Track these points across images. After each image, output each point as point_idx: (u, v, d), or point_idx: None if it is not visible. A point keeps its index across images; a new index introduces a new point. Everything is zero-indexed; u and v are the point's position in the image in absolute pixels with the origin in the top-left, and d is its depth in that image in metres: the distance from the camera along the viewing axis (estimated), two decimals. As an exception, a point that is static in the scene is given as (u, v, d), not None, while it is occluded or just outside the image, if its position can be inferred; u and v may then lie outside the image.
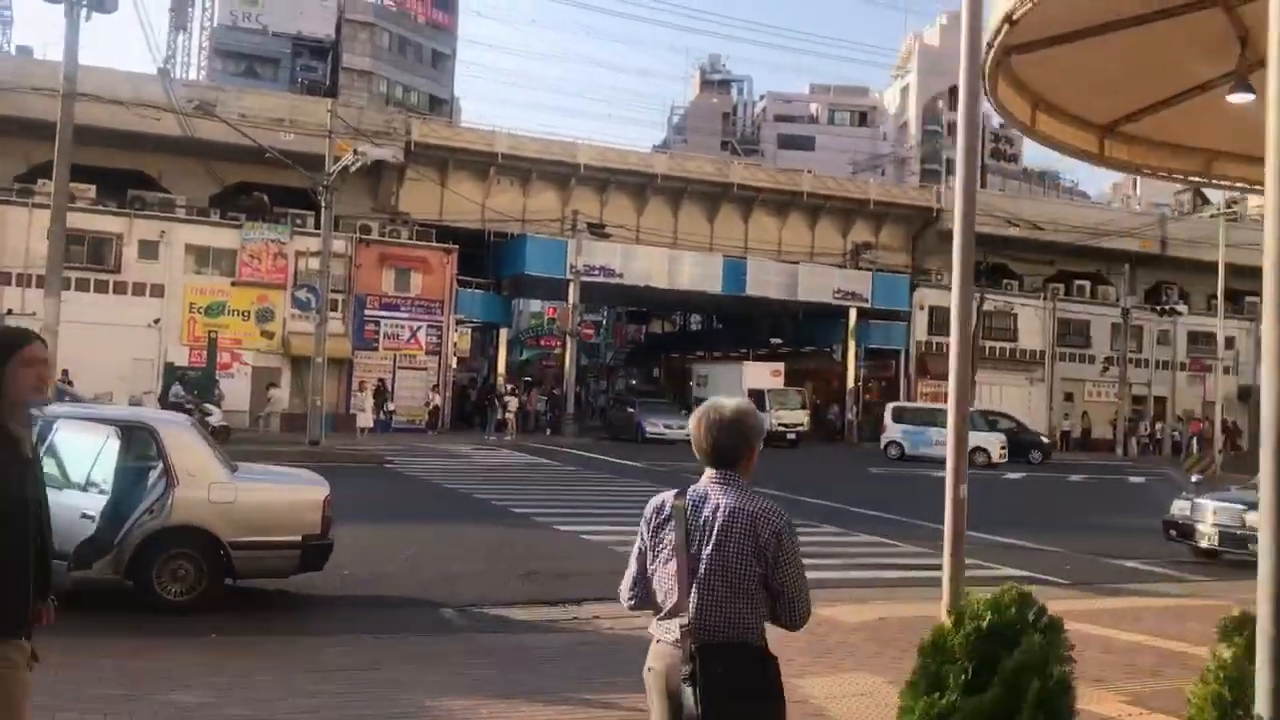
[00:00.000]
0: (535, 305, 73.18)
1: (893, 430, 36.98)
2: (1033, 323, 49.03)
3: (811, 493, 20.75)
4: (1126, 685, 7.27)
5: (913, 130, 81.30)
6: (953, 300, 4.93)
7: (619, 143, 64.52)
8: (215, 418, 28.10)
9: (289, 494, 9.77)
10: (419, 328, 40.36)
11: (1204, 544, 14.42)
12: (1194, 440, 44.61)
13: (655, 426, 37.97)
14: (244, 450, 21.17)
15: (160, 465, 8.99)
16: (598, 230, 41.98)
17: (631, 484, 22.72)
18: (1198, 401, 50.86)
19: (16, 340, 3.39)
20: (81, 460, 8.81)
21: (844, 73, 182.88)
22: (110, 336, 33.57)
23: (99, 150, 34.82)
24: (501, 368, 47.19)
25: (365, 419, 34.61)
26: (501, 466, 26.28)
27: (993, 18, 6.43)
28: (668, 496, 3.38)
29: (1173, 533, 15.03)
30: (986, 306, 47.02)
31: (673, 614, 3.22)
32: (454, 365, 42.36)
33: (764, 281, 45.05)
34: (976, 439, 30.54)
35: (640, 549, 3.42)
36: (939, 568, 12.92)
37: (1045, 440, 40.67)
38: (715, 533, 3.22)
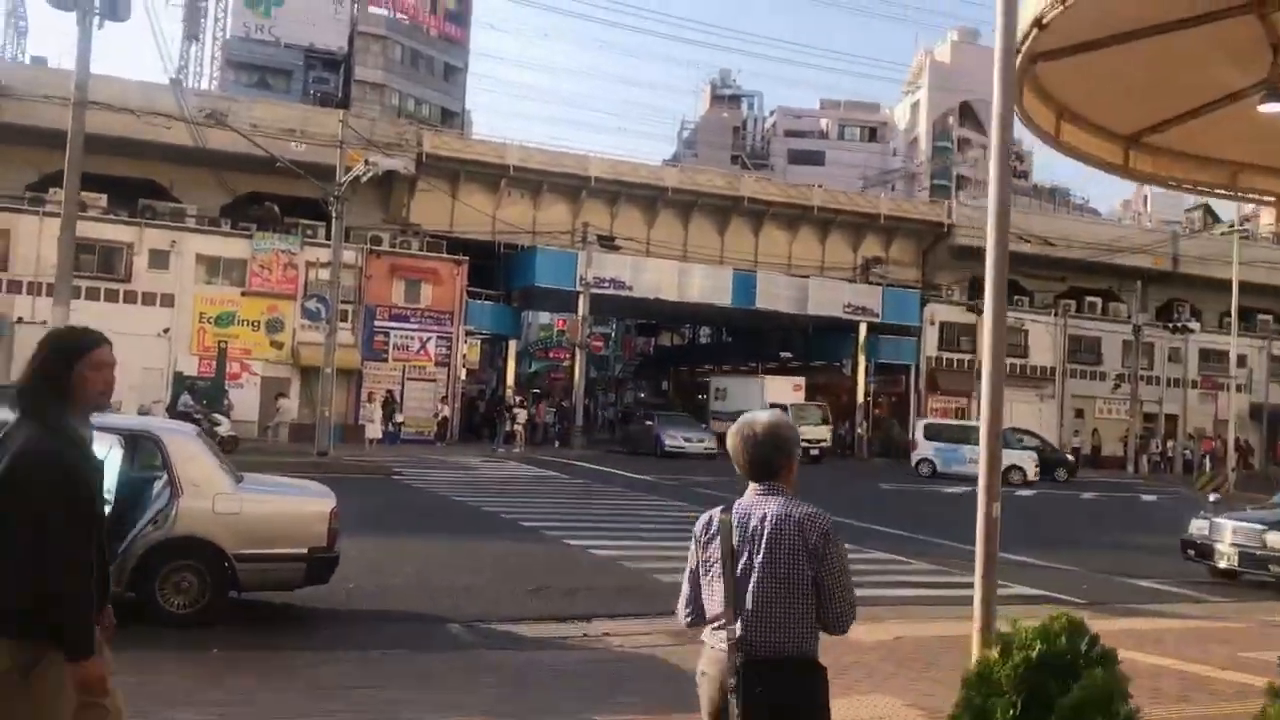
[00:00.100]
0: (544, 317, 73.06)
1: (924, 448, 36.39)
2: (1044, 339, 48.73)
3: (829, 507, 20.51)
4: (1154, 713, 7.06)
5: (923, 146, 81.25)
6: (985, 319, 4.76)
7: (629, 156, 64.51)
8: (224, 427, 28.03)
9: (295, 506, 9.61)
10: (428, 339, 40.27)
11: (1223, 564, 14.21)
12: (1206, 458, 44.27)
13: (674, 440, 37.49)
14: (252, 460, 21.06)
15: (165, 475, 8.86)
16: (608, 243, 41.86)
17: (640, 498, 22.55)
18: (1209, 419, 50.50)
19: (86, 342, 3.33)
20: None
21: (854, 87, 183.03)
22: (120, 345, 32.00)
23: (111, 159, 34.84)
24: (510, 379, 47.06)
25: (374, 430, 34.46)
26: (510, 479, 26.11)
27: (1021, 23, 6.29)
28: (714, 512, 3.47)
29: (1190, 552, 14.80)
30: (997, 322, 46.75)
31: (726, 623, 3.31)
32: (463, 377, 42.23)
33: (774, 295, 44.87)
34: (1011, 457, 30.36)
35: (692, 567, 3.51)
36: (953, 585, 12.85)
37: (1070, 458, 40.36)
38: (765, 541, 3.30)
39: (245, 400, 35.06)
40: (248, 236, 37.83)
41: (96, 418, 9.68)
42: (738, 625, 3.27)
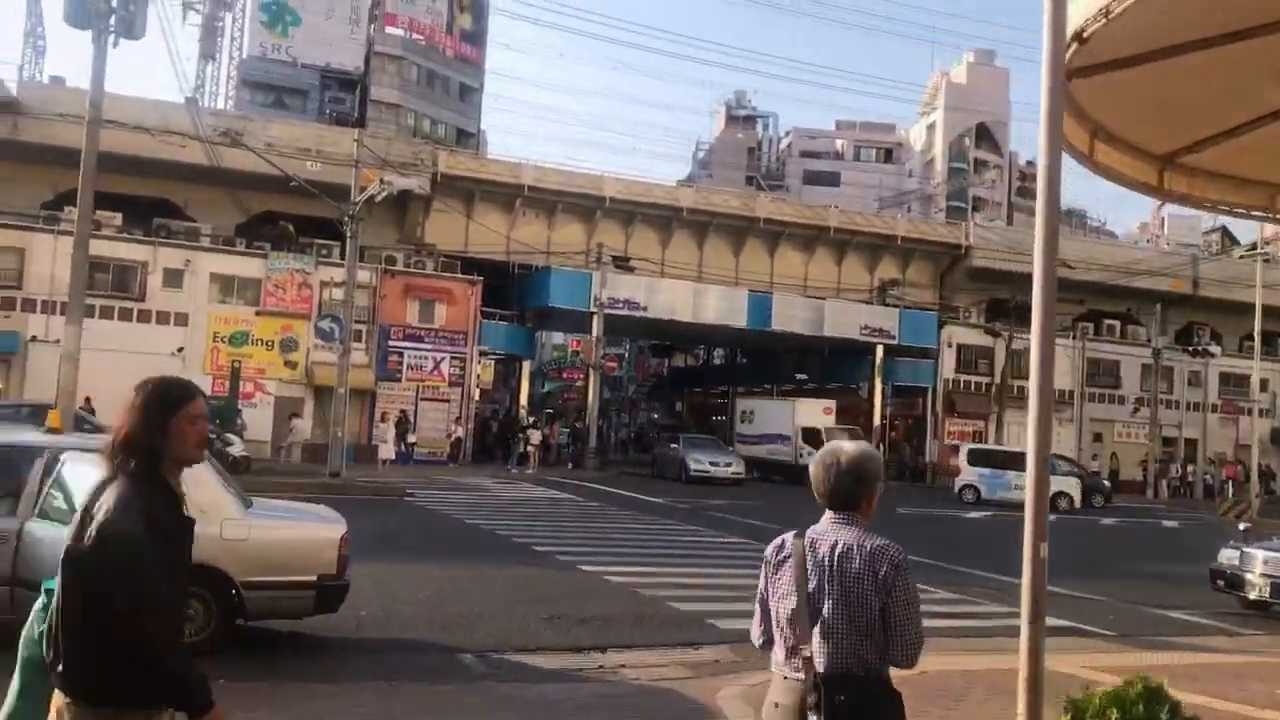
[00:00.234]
0: (558, 337, 72.98)
1: (969, 473, 35.69)
2: (1062, 362, 48.26)
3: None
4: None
5: (939, 167, 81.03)
6: (1034, 345, 4.51)
7: (644, 177, 64.41)
8: (236, 448, 27.87)
9: (304, 532, 9.38)
10: (442, 359, 40.14)
11: (1253, 595, 13.86)
12: (1228, 484, 43.76)
13: (700, 464, 36.18)
14: (265, 481, 20.93)
15: (171, 500, 8.62)
16: (622, 263, 41.72)
17: (655, 521, 22.27)
18: (1229, 444, 50.01)
19: (183, 395, 3.21)
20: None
21: (870, 107, 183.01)
22: (133, 364, 33.21)
23: (126, 178, 34.88)
24: (524, 400, 46.86)
25: (387, 450, 34.27)
26: (523, 501, 25.87)
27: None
28: (787, 537, 3.49)
29: (1220, 582, 14.45)
30: (1015, 345, 46.39)
31: (795, 649, 3.34)
32: (477, 397, 42.06)
33: (790, 316, 44.63)
34: (1057, 483, 30.03)
35: (762, 590, 3.54)
36: (975, 615, 12.50)
37: (1106, 484, 39.89)
38: (835, 569, 3.33)
39: (258, 420, 34.94)
40: (262, 256, 37.80)
41: (102, 440, 9.40)
42: (810, 647, 3.30)
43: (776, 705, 3.41)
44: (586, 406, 44.02)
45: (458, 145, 58.43)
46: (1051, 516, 4.87)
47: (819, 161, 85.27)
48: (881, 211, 61.33)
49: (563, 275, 42.05)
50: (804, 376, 51.03)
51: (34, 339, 33.67)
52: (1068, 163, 7.21)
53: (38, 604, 3.32)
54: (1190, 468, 49.74)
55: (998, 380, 46.24)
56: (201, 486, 8.82)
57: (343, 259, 32.49)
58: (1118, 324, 51.77)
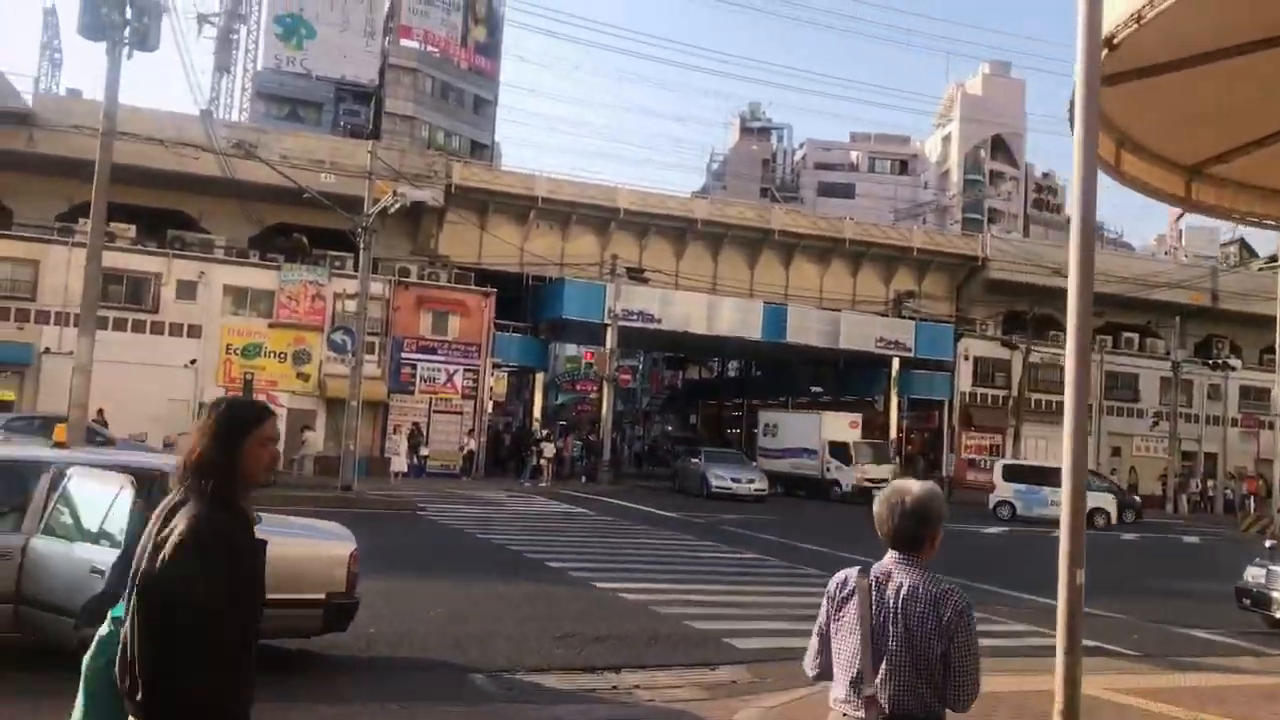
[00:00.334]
0: (571, 350, 72.82)
1: (1004, 489, 35.01)
2: (1080, 375, 47.89)
3: (863, 550, 20.00)
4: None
5: (954, 179, 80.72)
6: (1068, 360, 4.33)
7: (658, 188, 64.44)
8: (248, 460, 27.73)
9: (312, 549, 9.19)
10: (455, 371, 40.03)
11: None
12: (1250, 499, 43.29)
13: (721, 480, 35.11)
14: (275, 494, 20.75)
15: (179, 516, 8.48)
16: (636, 275, 41.57)
17: (670, 536, 22.06)
18: (1250, 459, 49.50)
19: (256, 417, 3.16)
20: (94, 510, 8.29)
21: (884, 119, 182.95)
22: (146, 376, 33.52)
23: (140, 190, 34.97)
24: (537, 412, 46.72)
25: (399, 463, 34.14)
26: (536, 515, 25.68)
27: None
28: (851, 573, 3.51)
29: (1245, 601, 14.18)
30: (1033, 358, 46.10)
31: (855, 686, 3.36)
32: (490, 409, 41.92)
33: (805, 328, 44.42)
34: (1093, 499, 29.61)
35: (822, 623, 3.55)
36: (997, 635, 12.27)
37: (1137, 499, 39.50)
38: (900, 611, 3.35)
39: (271, 432, 34.82)
40: (275, 268, 37.79)
41: (108, 457, 9.17)
42: (872, 686, 3.32)
43: None
44: (600, 419, 43.83)
45: (472, 157, 58.40)
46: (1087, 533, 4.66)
47: (833, 173, 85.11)
48: (897, 223, 61.07)
49: (576, 287, 41.95)
50: (819, 389, 50.76)
51: (47, 351, 33.71)
52: None
53: (101, 631, 3.29)
54: (1210, 483, 49.27)
55: (1015, 393, 45.90)
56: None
57: (356, 271, 32.43)
58: (1136, 337, 51.37)
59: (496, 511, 25.93)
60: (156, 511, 3.09)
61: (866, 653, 3.34)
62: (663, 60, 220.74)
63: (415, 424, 38.14)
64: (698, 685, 9.29)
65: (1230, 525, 37.72)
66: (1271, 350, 40.58)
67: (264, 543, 3.14)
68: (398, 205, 29.43)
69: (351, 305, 33.54)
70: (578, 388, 69.94)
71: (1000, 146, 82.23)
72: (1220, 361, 47.45)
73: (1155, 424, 48.87)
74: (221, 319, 36.77)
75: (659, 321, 42.50)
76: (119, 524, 8.06)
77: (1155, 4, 4.98)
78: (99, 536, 8.10)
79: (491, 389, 41.26)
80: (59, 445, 9.71)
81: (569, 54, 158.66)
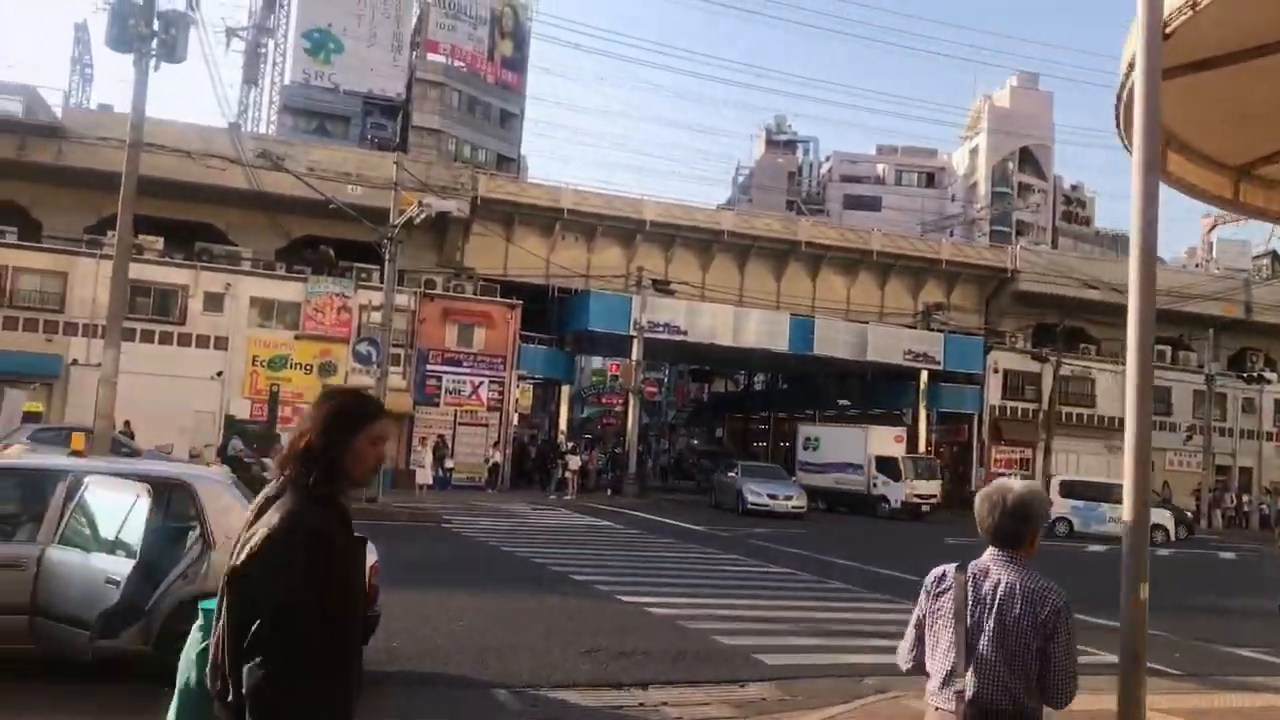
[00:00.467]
0: (597, 362, 72.78)
1: (1061, 505, 34.21)
2: (1111, 389, 47.33)
3: (891, 564, 19.68)
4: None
5: (982, 191, 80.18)
6: (1128, 377, 4.12)
7: (684, 200, 64.34)
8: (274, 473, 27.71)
9: (333, 560, 9.01)
10: (481, 383, 39.93)
11: (1327, 632, 13.19)
12: (1287, 514, 42.58)
13: (757, 496, 33.51)
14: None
15: (197, 526, 8.36)
16: (662, 287, 41.38)
17: (696, 550, 21.81)
18: (1285, 473, 48.74)
19: (368, 413, 3.02)
20: (111, 520, 8.14)
21: (910, 130, 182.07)
22: (173, 388, 33.57)
23: (169, 203, 35.13)
24: (563, 425, 46.56)
25: (424, 475, 34.01)
26: (561, 528, 25.48)
27: (1136, 38, 5.62)
28: (949, 568, 3.54)
29: (1291, 618, 13.76)
30: (1063, 371, 45.54)
31: (949, 681, 3.40)
32: (515, 422, 41.79)
33: (832, 341, 44.06)
34: (1153, 516, 29.12)
35: (919, 616, 3.60)
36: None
37: (1189, 515, 38.79)
38: (996, 607, 3.39)
39: (297, 444, 34.74)
40: (302, 280, 37.83)
41: (127, 466, 8.95)
42: (966, 680, 3.36)
43: None
44: (626, 432, 43.62)
45: (497, 170, 58.50)
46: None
47: (860, 186, 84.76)
48: (925, 235, 60.66)
49: (602, 299, 41.80)
50: (846, 402, 50.34)
51: (75, 363, 33.84)
52: (1116, 183, 6.72)
53: (196, 625, 3.16)
54: (1245, 497, 48.50)
55: (1045, 406, 45.35)
56: (229, 512, 8.53)
57: (382, 283, 32.41)
58: (1169, 350, 50.64)
59: (521, 524, 25.75)
60: (252, 505, 2.95)
61: (960, 647, 3.39)
62: (688, 73, 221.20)
63: (440, 436, 38.05)
64: (726, 702, 9.03)
65: (1266, 541, 37.00)
66: (1308, 363, 39.97)
67: (364, 540, 2.98)
68: (423, 216, 29.39)
69: (377, 317, 33.51)
70: (603, 400, 69.93)
71: (1028, 159, 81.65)
72: (1255, 375, 46.76)
73: (1189, 438, 48.17)
74: (248, 331, 36.83)
75: (685, 333, 42.29)
76: (135, 534, 7.91)
77: (1213, -11, 4.74)
78: (115, 546, 7.93)
79: (517, 401, 41.14)
80: (75, 454, 9.55)
81: (594, 66, 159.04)
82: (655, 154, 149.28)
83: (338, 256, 38.96)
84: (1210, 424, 46.78)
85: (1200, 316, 48.44)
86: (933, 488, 37.93)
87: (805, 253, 46.90)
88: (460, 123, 63.66)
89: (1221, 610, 17.70)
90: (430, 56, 63.45)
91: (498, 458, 39.33)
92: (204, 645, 3.01)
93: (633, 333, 40.31)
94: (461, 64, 63.94)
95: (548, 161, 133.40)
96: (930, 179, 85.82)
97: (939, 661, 3.46)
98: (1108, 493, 32.05)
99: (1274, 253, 69.92)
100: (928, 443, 46.17)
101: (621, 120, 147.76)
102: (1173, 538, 32.90)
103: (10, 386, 32.11)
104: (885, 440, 39.34)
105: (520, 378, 41.31)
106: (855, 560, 20.73)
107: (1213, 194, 7.76)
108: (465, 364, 39.81)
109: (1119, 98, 6.48)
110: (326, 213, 32.54)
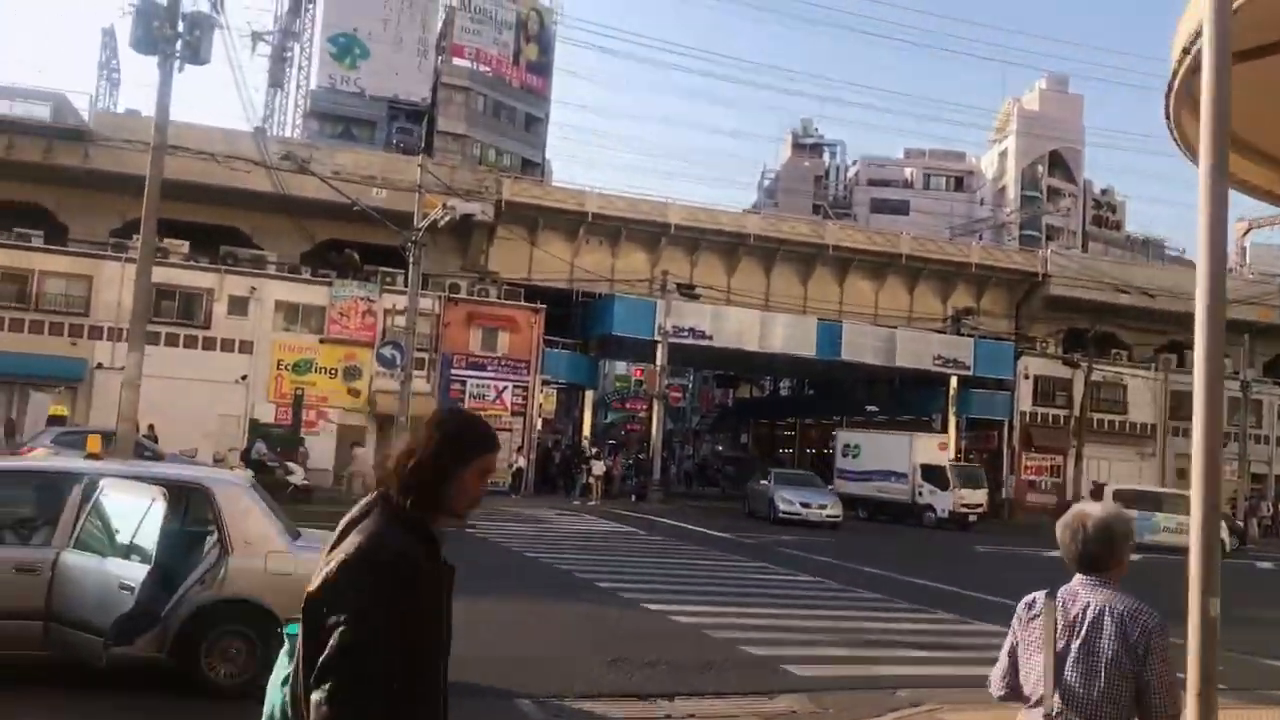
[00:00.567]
0: (621, 367, 72.50)
1: None
2: (1143, 395, 46.71)
3: (931, 575, 19.30)
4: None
5: (1011, 195, 79.47)
6: (1196, 382, 3.80)
7: (709, 204, 64.05)
8: (298, 476, 27.69)
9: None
10: (505, 388, 39.79)
11: (1377, 646, 12.77)
12: (1324, 524, 41.85)
13: (789, 504, 32.39)
14: (325, 510, 20.53)
15: (215, 531, 8.18)
16: (687, 291, 41.10)
17: (722, 557, 21.52)
18: (1322, 482, 47.95)
19: (483, 444, 2.80)
20: (126, 524, 7.95)
21: (939, 133, 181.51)
22: (197, 392, 33.59)
23: (194, 206, 35.17)
24: (587, 430, 46.36)
25: (448, 480, 33.80)
26: (586, 534, 25.25)
27: (1187, 24, 5.31)
28: (1039, 595, 3.54)
29: (1337, 632, 13.35)
30: (1095, 377, 44.95)
31: (1039, 705, 3.40)
32: (539, 427, 41.61)
33: (860, 346, 43.66)
34: None
35: (1012, 643, 3.60)
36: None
37: (1240, 524, 38.13)
38: (1085, 629, 3.38)
39: (321, 449, 34.74)
40: (327, 284, 37.80)
41: (144, 470, 8.69)
42: (1054, 703, 3.35)
43: None
44: (650, 437, 43.36)
45: (522, 174, 58.46)
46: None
47: (887, 190, 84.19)
48: (954, 239, 60.12)
49: (627, 303, 41.58)
50: (874, 408, 49.88)
51: (100, 366, 33.89)
52: (1145, 186, 6.42)
53: (283, 650, 2.98)
54: (1281, 506, 47.75)
55: (1076, 413, 44.76)
56: (247, 516, 8.36)
57: (407, 287, 32.31)
58: (1201, 355, 49.98)
59: (545, 530, 25.54)
60: (340, 525, 2.75)
61: (1049, 673, 3.38)
62: (714, 75, 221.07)
63: (464, 441, 37.84)
64: (755, 715, 8.79)
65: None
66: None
67: (453, 569, 2.81)
68: (447, 219, 29.29)
69: (401, 321, 33.43)
70: (627, 406, 69.67)
71: (1058, 162, 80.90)
72: (1291, 381, 46.05)
73: (1224, 445, 47.41)
74: (273, 335, 36.81)
75: (710, 338, 42.00)
76: (150, 538, 7.70)
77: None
78: (130, 551, 7.74)
79: (541, 406, 40.97)
80: (92, 456, 9.38)
81: (619, 69, 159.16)
82: (680, 157, 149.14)
83: (362, 260, 38.89)
84: (1246, 431, 46.07)
85: (1235, 322, 47.59)
86: (979, 497, 37.06)
87: (832, 256, 46.53)
88: (485, 127, 63.64)
89: (1265, 622, 17.21)
90: (455, 61, 63.46)
91: (521, 463, 39.16)
92: (287, 672, 2.79)
93: (657, 337, 40.06)
94: (486, 68, 63.95)
95: (572, 165, 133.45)
96: (959, 182, 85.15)
97: (1031, 688, 3.46)
98: (1159, 502, 31.46)
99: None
100: (958, 449, 45.67)
101: (647, 124, 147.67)
102: (1228, 549, 32.33)
103: (35, 390, 32.21)
104: (930, 448, 38.39)
105: (544, 382, 41.13)
106: (888, 570, 20.38)
107: (1268, 191, 7.38)
108: (489, 368, 39.69)
109: (1170, 87, 6.15)
110: (351, 216, 32.44)
